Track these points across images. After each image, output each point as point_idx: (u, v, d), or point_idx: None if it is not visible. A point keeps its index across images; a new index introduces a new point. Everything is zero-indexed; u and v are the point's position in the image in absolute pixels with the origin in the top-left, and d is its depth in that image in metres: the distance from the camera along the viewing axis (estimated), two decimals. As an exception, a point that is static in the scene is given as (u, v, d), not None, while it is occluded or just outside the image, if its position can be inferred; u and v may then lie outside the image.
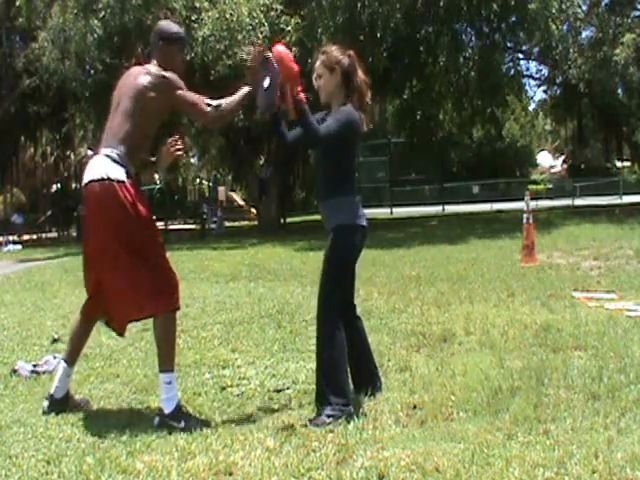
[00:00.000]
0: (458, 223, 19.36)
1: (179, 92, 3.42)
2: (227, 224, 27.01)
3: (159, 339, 3.37)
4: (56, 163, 36.48)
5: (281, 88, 3.34)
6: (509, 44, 20.52)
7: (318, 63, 3.48)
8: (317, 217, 3.97)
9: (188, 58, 15.14)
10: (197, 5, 16.87)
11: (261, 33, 15.87)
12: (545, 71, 24.00)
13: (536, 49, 19.98)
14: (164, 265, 3.38)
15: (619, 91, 20.89)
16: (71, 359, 3.62)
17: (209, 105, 3.42)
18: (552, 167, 55.67)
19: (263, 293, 7.70)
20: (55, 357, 4.58)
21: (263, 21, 16.32)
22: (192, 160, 42.92)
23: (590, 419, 3.02)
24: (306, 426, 3.12)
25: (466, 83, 20.39)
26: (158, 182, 29.31)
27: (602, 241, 11.21)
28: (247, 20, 16.08)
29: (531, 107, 39.67)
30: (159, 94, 3.38)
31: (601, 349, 4.21)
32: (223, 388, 3.88)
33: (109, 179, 3.29)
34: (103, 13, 17.22)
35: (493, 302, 6.20)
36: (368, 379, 3.57)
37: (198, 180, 46.36)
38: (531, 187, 31.20)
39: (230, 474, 2.67)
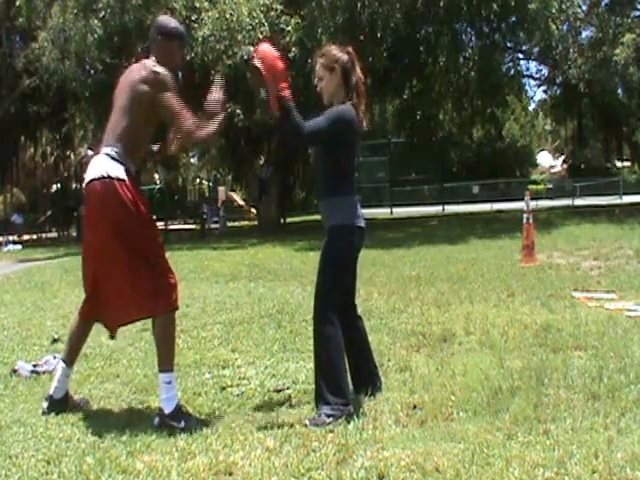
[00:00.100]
0: (458, 223, 19.36)
1: (166, 93, 3.33)
2: (228, 224, 27.03)
3: (158, 339, 3.37)
4: (56, 163, 36.48)
5: (266, 85, 3.33)
6: (509, 44, 20.51)
7: (318, 66, 3.48)
8: (317, 217, 3.97)
9: (188, 58, 15.15)
10: (197, 5, 16.86)
11: (261, 33, 15.85)
12: (545, 71, 24.02)
13: (536, 49, 19.97)
14: (163, 265, 3.38)
15: (619, 91, 20.89)
16: (70, 359, 3.61)
17: (193, 123, 3.34)
18: (552, 167, 55.67)
19: (263, 293, 7.70)
20: (55, 357, 4.58)
21: (263, 21, 16.31)
22: (192, 160, 42.94)
23: (590, 419, 3.02)
24: (306, 426, 3.12)
25: (466, 83, 20.39)
26: (158, 182, 29.38)
27: (602, 241, 11.21)
28: (247, 20, 16.07)
29: (531, 107, 39.74)
30: (151, 88, 3.34)
31: (601, 349, 4.21)
32: (223, 388, 3.88)
33: (109, 177, 3.29)
34: (103, 13, 17.22)
35: (493, 302, 6.20)
36: (368, 379, 3.57)
37: (198, 180, 46.37)
38: (531, 187, 31.21)
39: (230, 474, 2.67)
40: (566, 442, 2.77)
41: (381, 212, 27.35)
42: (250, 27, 16.11)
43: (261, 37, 15.33)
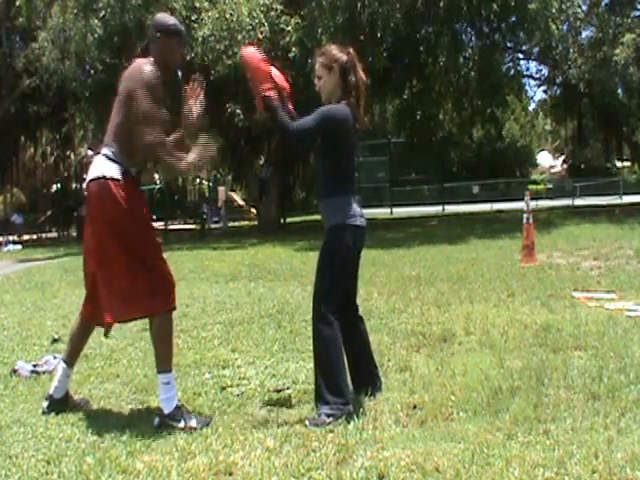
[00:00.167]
0: (458, 223, 19.36)
1: (142, 91, 3.23)
2: (228, 224, 27.09)
3: (155, 339, 3.37)
4: (56, 163, 36.48)
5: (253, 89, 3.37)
6: (509, 44, 20.51)
7: (317, 65, 3.49)
8: (317, 217, 3.97)
9: (188, 58, 15.15)
10: (197, 5, 16.86)
11: (261, 33, 15.87)
12: (545, 71, 24.02)
13: (536, 49, 19.97)
14: (160, 265, 3.38)
15: (619, 91, 20.88)
16: (71, 360, 3.62)
17: (160, 141, 3.22)
18: (552, 167, 55.67)
19: (263, 293, 7.70)
20: (55, 357, 4.58)
21: (263, 21, 16.31)
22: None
23: (590, 419, 3.03)
24: (306, 426, 3.12)
25: (466, 83, 20.39)
26: (158, 182, 29.40)
27: (602, 241, 11.21)
28: (247, 20, 16.07)
29: (531, 107, 39.76)
30: (135, 84, 3.29)
31: (601, 349, 4.21)
32: (223, 388, 3.88)
33: (104, 177, 3.30)
34: (103, 13, 17.23)
35: (493, 302, 6.20)
36: (368, 379, 3.57)
37: (198, 180, 46.33)
38: (531, 187, 31.21)
39: (230, 474, 2.67)
40: (566, 442, 2.77)
41: (381, 212, 27.35)
42: (250, 27, 16.11)
43: (261, 37, 15.35)
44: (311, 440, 2.94)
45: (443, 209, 29.90)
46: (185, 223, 33.82)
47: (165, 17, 3.61)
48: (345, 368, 3.40)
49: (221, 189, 34.24)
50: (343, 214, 3.38)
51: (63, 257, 15.60)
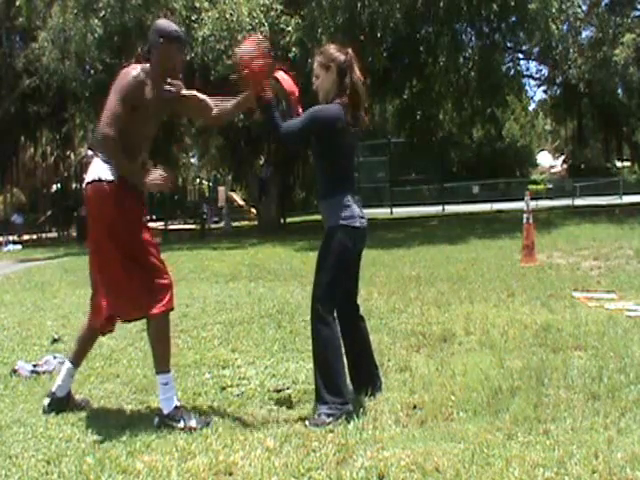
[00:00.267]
0: (458, 223, 19.36)
1: (112, 95, 3.30)
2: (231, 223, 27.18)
3: (153, 340, 3.37)
4: (56, 163, 36.46)
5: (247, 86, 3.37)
6: (509, 44, 20.51)
7: (315, 64, 3.49)
8: (317, 217, 3.98)
9: (188, 58, 15.15)
10: (197, 5, 16.87)
11: (261, 33, 15.84)
12: (545, 71, 24.02)
13: (536, 49, 19.97)
14: (158, 266, 3.38)
15: (619, 91, 20.88)
16: (77, 360, 3.64)
17: (109, 134, 3.25)
18: (552, 167, 55.66)
19: (263, 293, 7.70)
20: (55, 357, 4.58)
21: (263, 21, 16.31)
22: (192, 160, 42.93)
23: (590, 419, 3.03)
24: (306, 426, 3.12)
25: (466, 83, 20.39)
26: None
27: (602, 241, 11.21)
28: (247, 20, 16.07)
29: (531, 107, 39.76)
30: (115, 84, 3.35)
31: (601, 349, 4.21)
32: (223, 388, 3.88)
33: (100, 180, 3.32)
34: (103, 13, 17.22)
35: (493, 302, 6.20)
36: (368, 379, 3.57)
37: (198, 180, 46.35)
38: (531, 187, 31.19)
39: (230, 474, 2.67)
40: (566, 442, 2.77)
41: (381, 212, 27.35)
42: (250, 27, 16.09)
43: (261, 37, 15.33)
44: (311, 440, 2.94)
45: (443, 209, 29.90)
46: (185, 223, 33.83)
47: (168, 23, 3.63)
48: (344, 368, 3.40)
49: (221, 189, 34.25)
50: (343, 214, 3.38)
51: (63, 257, 15.60)
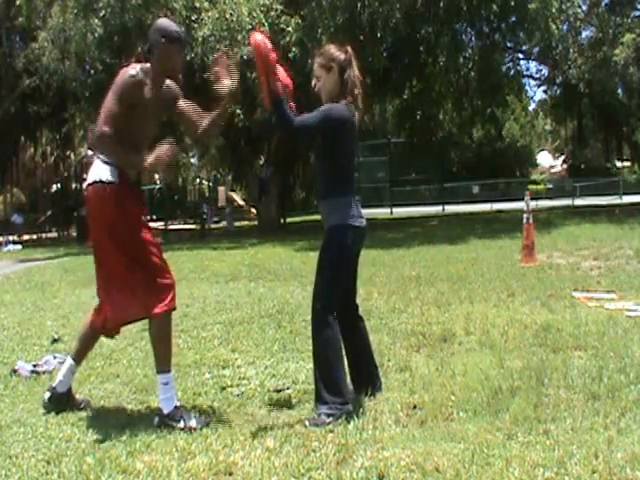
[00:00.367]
0: (458, 223, 19.36)
1: (110, 94, 3.31)
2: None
3: (154, 340, 3.37)
4: (56, 163, 36.46)
5: (259, 77, 3.31)
6: (509, 44, 20.51)
7: (315, 65, 3.48)
8: (317, 217, 3.97)
9: (188, 58, 15.15)
10: (197, 5, 16.85)
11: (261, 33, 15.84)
12: (545, 71, 24.03)
13: (536, 49, 19.98)
14: (160, 266, 3.38)
15: (619, 91, 20.89)
16: (78, 358, 3.65)
17: (106, 131, 3.26)
18: (552, 167, 55.66)
19: (263, 293, 7.70)
20: (55, 357, 4.59)
21: (263, 21, 16.30)
22: (192, 160, 42.89)
23: (590, 419, 3.03)
24: (306, 426, 3.12)
25: (466, 83, 20.39)
26: (158, 182, 29.43)
27: (602, 241, 11.21)
28: (247, 20, 16.06)
29: (531, 107, 39.81)
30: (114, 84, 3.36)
31: (601, 349, 4.21)
32: (223, 388, 3.88)
33: (101, 181, 3.32)
34: (103, 12, 17.20)
35: (493, 302, 6.20)
36: (368, 379, 3.57)
37: (198, 180, 46.34)
38: (531, 187, 31.18)
39: (230, 474, 2.67)
40: (566, 442, 2.77)
41: (381, 212, 27.34)
42: (250, 27, 16.07)
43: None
44: (311, 440, 2.94)
45: (443, 209, 29.89)
46: (185, 223, 33.82)
47: (169, 23, 3.62)
48: (344, 368, 3.40)
49: (221, 189, 34.25)
50: (343, 214, 3.38)
51: (63, 257, 15.60)
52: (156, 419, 3.27)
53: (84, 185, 3.46)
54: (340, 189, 3.41)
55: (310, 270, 8.85)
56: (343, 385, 3.34)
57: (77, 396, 3.70)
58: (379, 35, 16.45)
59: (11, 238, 25.47)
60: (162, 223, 26.53)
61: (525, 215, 9.51)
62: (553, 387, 3.50)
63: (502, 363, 3.99)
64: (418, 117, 22.55)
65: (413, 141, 24.02)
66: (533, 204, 11.07)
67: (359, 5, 15.93)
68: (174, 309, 3.40)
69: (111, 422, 3.34)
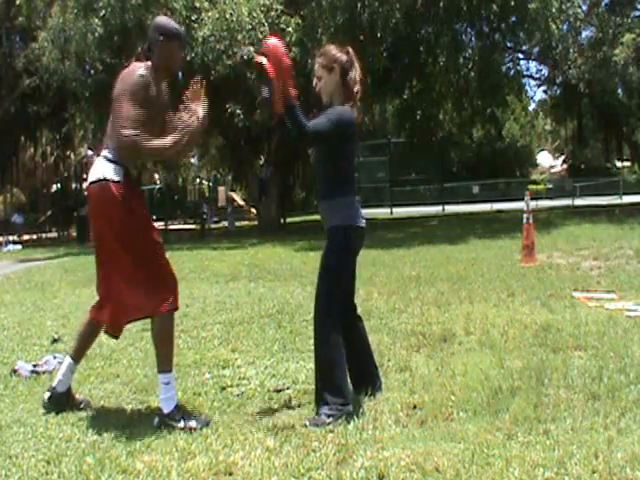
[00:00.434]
0: (458, 223, 19.36)
1: (126, 93, 3.26)
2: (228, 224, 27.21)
3: (157, 339, 3.37)
4: (56, 163, 36.48)
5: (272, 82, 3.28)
6: (509, 44, 20.52)
7: (317, 66, 3.47)
8: (317, 217, 3.97)
9: (188, 58, 15.15)
10: (197, 5, 16.86)
11: (261, 33, 15.85)
12: (545, 71, 24.03)
13: (536, 49, 19.98)
14: (163, 265, 3.38)
15: (619, 91, 20.89)
16: (77, 356, 3.65)
17: (135, 134, 3.21)
18: (552, 167, 55.66)
19: (263, 293, 7.70)
20: (55, 357, 4.59)
21: (263, 21, 16.32)
22: (192, 160, 42.88)
23: (590, 419, 3.02)
24: (306, 426, 3.12)
25: (466, 83, 20.40)
26: (158, 182, 29.39)
27: (602, 241, 11.21)
28: (247, 20, 16.07)
29: (531, 107, 39.83)
30: (121, 84, 3.33)
31: (601, 349, 4.21)
32: (223, 388, 3.88)
33: (105, 179, 3.31)
34: (103, 13, 17.21)
35: (493, 302, 6.20)
36: (368, 379, 3.57)
37: (198, 180, 46.34)
38: (531, 187, 31.20)
39: (230, 474, 2.67)
40: (566, 442, 2.77)
41: (381, 212, 27.35)
42: (250, 27, 16.11)
43: (261, 37, 15.34)
44: (311, 440, 2.94)
45: (443, 209, 29.90)
46: (185, 223, 33.82)
47: (167, 20, 3.61)
48: (345, 369, 3.40)
49: (221, 189, 34.26)
50: (343, 215, 3.38)
51: (63, 257, 15.61)
52: (156, 419, 3.27)
53: (86, 183, 3.45)
54: (341, 190, 3.41)
55: (310, 270, 8.88)
56: (344, 386, 3.34)
57: (77, 396, 3.70)
58: (379, 35, 16.46)
59: (11, 238, 25.49)
60: (162, 223, 26.53)
61: (525, 215, 9.52)
62: (553, 387, 3.50)
63: (502, 363, 3.99)
64: (418, 117, 22.56)
65: (413, 141, 24.03)
66: (533, 204, 11.07)
67: (359, 5, 15.93)
68: (177, 309, 3.40)
69: (111, 422, 3.34)
